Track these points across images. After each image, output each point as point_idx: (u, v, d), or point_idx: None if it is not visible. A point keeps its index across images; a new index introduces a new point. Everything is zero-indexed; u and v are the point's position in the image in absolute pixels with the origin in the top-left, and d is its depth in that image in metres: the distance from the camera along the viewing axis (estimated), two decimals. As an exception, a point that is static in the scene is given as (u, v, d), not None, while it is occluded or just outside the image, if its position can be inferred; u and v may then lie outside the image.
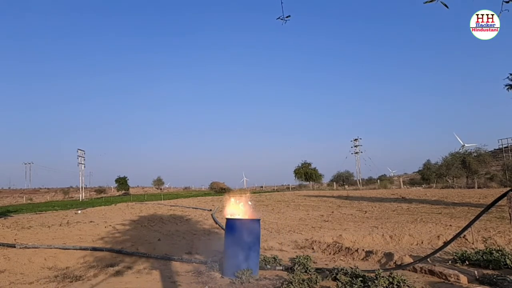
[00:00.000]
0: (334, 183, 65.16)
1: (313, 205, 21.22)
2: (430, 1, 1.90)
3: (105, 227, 12.22)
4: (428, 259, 6.19)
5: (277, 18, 2.37)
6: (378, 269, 5.76)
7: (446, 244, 6.38)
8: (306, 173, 65.62)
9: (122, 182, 72.08)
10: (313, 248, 8.53)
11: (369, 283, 4.85)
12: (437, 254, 6.36)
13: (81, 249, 8.60)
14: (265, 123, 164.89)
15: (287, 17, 2.34)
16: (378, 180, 62.75)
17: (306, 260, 6.53)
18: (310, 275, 5.71)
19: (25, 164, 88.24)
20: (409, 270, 6.01)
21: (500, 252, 6.12)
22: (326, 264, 6.85)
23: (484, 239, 8.01)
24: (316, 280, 5.26)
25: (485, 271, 5.58)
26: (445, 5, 1.90)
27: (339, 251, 7.92)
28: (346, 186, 59.56)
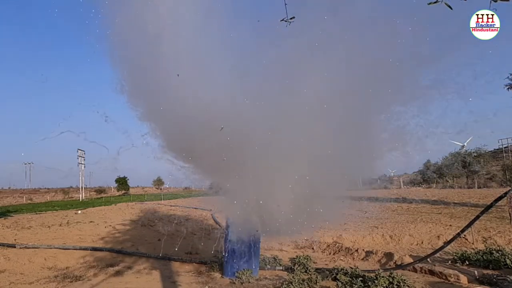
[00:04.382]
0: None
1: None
2: (434, 2, 1.89)
3: (105, 227, 12.23)
4: (428, 259, 6.19)
5: (281, 20, 2.31)
6: (378, 269, 5.76)
7: (446, 244, 6.39)
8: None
9: (122, 182, 71.92)
10: (313, 248, 8.53)
11: (369, 283, 4.85)
12: (437, 254, 6.37)
13: (81, 249, 8.60)
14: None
15: (291, 18, 2.28)
16: (378, 180, 62.56)
17: (306, 260, 6.54)
18: (310, 275, 5.71)
19: (25, 164, 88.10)
20: (409, 270, 6.01)
21: (500, 252, 6.13)
22: (326, 264, 6.85)
23: (484, 239, 8.01)
24: (316, 280, 5.26)
25: (485, 271, 5.58)
26: (449, 6, 1.89)
27: (339, 251, 7.93)
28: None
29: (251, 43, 5.14)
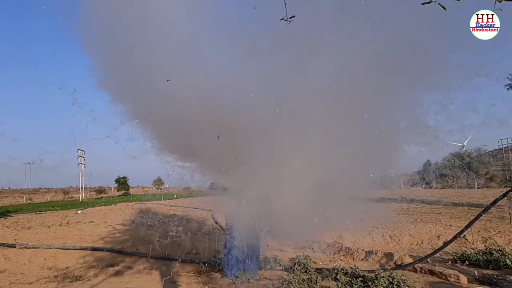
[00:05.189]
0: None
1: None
2: (428, 2, 1.89)
3: (105, 227, 12.24)
4: (428, 259, 6.19)
5: (281, 19, 2.27)
6: (378, 269, 5.76)
7: (446, 244, 6.39)
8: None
9: (122, 182, 71.93)
10: (313, 248, 8.52)
11: (369, 283, 4.85)
12: (437, 254, 6.37)
13: (81, 249, 8.60)
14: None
15: (291, 17, 2.25)
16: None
17: (306, 260, 6.53)
18: (310, 275, 5.70)
19: (25, 164, 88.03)
20: (409, 270, 6.01)
21: (500, 252, 6.12)
22: (326, 264, 6.85)
23: (484, 239, 8.01)
24: (316, 280, 5.26)
25: (485, 271, 5.58)
26: (443, 7, 1.89)
27: (339, 251, 7.93)
28: (346, 186, 59.24)
29: (254, 19, 4.25)
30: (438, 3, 1.89)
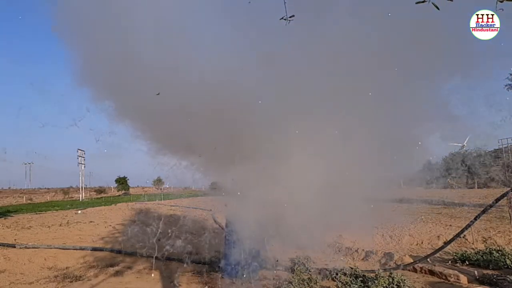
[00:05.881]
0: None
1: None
2: (422, 2, 1.90)
3: (105, 227, 12.23)
4: (428, 259, 6.19)
5: (281, 19, 2.26)
6: (378, 269, 5.76)
7: (446, 244, 6.39)
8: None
9: (122, 182, 71.85)
10: (313, 248, 8.52)
11: (369, 283, 4.85)
12: (437, 254, 6.37)
13: (81, 249, 8.60)
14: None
15: (290, 17, 2.25)
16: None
17: (306, 260, 6.54)
18: (310, 275, 5.71)
19: (25, 164, 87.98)
20: (409, 270, 6.01)
21: (500, 252, 6.12)
22: (326, 264, 6.85)
23: (484, 239, 8.00)
24: (316, 280, 5.26)
25: (485, 271, 5.58)
26: (436, 6, 1.90)
27: (339, 251, 7.92)
28: (346, 186, 59.14)
29: (256, 12, 3.84)
30: (432, 3, 1.90)
